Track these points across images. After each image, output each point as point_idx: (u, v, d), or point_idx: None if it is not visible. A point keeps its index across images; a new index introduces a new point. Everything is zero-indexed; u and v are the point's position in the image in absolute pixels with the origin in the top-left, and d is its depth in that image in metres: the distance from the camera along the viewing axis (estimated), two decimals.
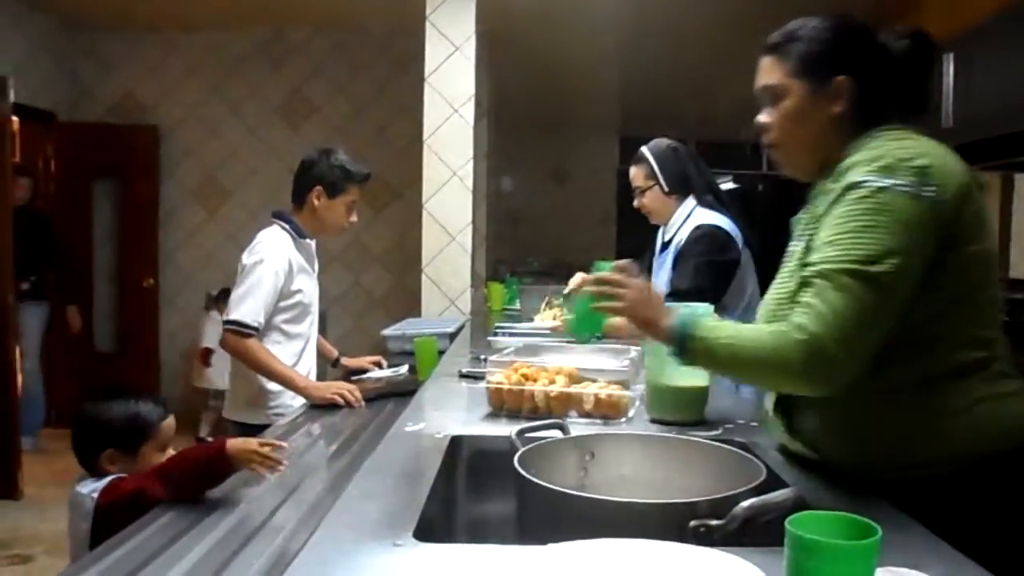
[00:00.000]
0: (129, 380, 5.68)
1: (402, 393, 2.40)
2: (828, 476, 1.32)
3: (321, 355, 2.90)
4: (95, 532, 1.55)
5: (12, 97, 4.37)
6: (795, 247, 1.43)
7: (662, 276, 2.62)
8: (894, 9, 4.55)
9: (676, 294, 2.35)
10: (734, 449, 1.28)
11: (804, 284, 1.27)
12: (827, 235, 1.26)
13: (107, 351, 5.99)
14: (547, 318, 3.21)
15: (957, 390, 1.27)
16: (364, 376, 2.81)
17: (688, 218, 2.56)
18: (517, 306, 4.39)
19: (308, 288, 2.70)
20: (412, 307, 4.39)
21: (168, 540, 1.36)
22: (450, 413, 1.84)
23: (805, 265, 1.29)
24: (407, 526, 1.11)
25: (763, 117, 1.45)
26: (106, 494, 1.59)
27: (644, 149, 2.68)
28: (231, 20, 5.85)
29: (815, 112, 1.39)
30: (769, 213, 2.68)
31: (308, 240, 2.71)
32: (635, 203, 2.72)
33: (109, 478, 1.64)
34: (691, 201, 2.60)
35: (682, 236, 2.54)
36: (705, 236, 2.47)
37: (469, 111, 4.10)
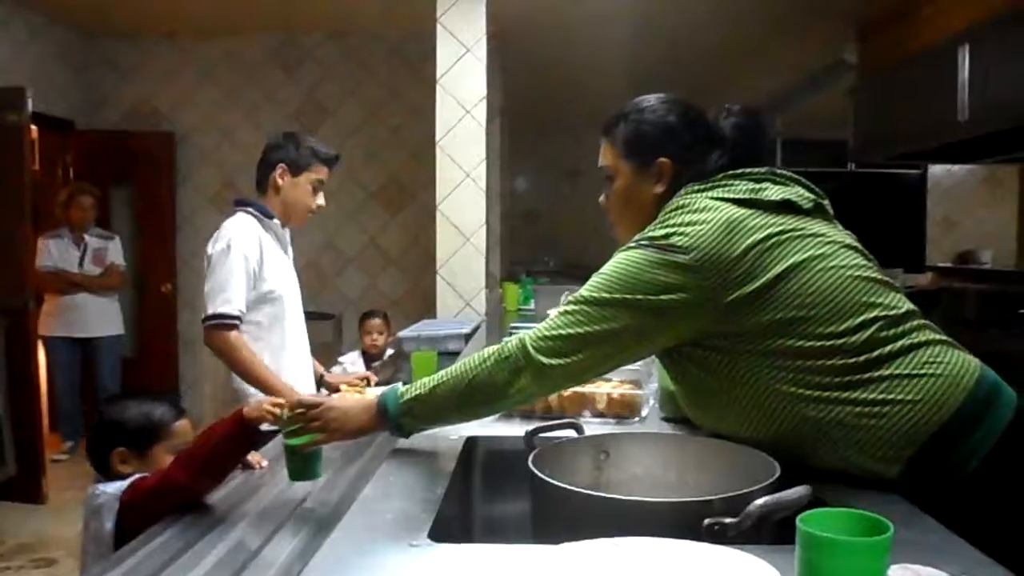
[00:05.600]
0: (148, 384, 5.74)
1: None
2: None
3: None
4: (120, 531, 1.56)
5: (30, 107, 4.42)
6: None
7: None
8: (912, 1, 4.52)
9: None
10: (748, 447, 1.28)
11: None
12: None
13: (126, 356, 6.03)
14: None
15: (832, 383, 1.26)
16: None
17: None
18: (532, 306, 4.40)
19: (282, 273, 2.55)
20: (428, 309, 4.40)
21: (184, 545, 1.37)
22: None
23: None
24: (423, 527, 1.12)
25: (602, 198, 1.53)
26: (131, 492, 1.58)
27: None
28: (244, 27, 5.90)
29: (640, 192, 1.46)
30: None
31: (276, 220, 2.59)
32: None
33: (133, 477, 1.63)
34: None
35: None
36: None
37: (481, 112, 4.11)
